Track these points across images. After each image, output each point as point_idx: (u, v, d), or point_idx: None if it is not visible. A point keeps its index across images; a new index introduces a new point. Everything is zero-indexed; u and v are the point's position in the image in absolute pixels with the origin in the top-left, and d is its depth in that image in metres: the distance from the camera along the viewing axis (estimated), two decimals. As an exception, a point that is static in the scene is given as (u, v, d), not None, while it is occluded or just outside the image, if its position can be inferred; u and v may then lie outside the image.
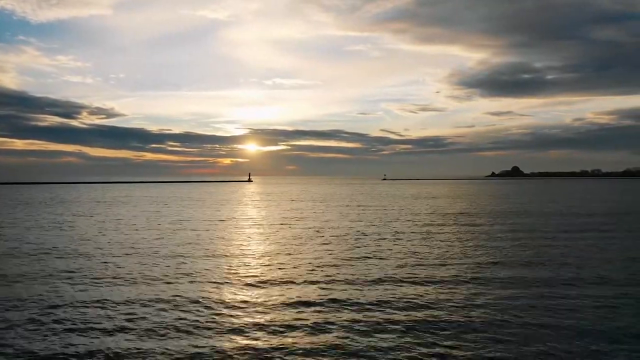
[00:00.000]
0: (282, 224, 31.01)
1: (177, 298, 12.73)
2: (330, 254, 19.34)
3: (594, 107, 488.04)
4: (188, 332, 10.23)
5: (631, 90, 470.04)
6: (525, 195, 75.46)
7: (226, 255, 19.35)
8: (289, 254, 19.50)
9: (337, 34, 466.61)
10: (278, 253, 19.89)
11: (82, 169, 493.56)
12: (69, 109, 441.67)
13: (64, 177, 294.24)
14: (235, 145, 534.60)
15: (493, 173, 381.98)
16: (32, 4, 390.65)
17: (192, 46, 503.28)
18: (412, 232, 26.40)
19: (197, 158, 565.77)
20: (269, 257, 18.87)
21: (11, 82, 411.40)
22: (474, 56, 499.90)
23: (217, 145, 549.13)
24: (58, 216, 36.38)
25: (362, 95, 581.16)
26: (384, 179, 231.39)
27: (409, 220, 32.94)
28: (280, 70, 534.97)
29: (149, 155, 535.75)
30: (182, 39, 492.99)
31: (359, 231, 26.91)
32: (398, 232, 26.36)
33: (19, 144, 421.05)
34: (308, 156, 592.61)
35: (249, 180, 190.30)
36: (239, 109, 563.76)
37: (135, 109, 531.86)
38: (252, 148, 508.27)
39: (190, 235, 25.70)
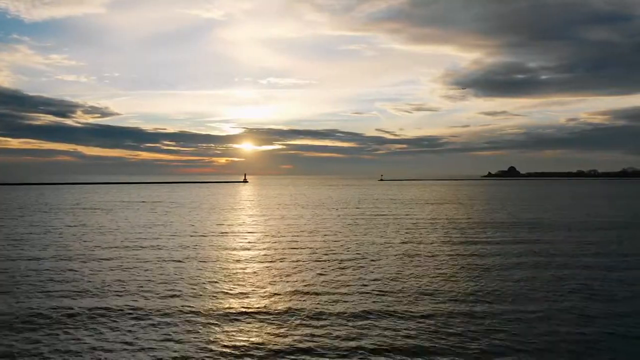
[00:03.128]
0: (274, 243, 28.70)
1: None
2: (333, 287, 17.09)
3: (588, 107, 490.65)
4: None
5: (624, 91, 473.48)
6: (531, 199, 73.31)
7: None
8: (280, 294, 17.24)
9: (332, 33, 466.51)
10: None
11: (76, 168, 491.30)
12: (64, 108, 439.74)
13: (58, 176, 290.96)
14: (230, 145, 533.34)
15: (489, 173, 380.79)
16: (25, 2, 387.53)
17: (186, 45, 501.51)
18: (427, 254, 24.14)
19: (192, 157, 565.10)
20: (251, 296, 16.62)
21: (5, 80, 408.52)
22: (467, 56, 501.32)
23: (212, 145, 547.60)
24: (20, 229, 33.95)
25: (356, 94, 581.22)
26: (381, 180, 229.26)
27: (421, 235, 30.72)
28: (274, 70, 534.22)
29: (144, 155, 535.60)
30: (176, 38, 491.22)
31: (365, 253, 24.62)
32: (411, 255, 24.08)
33: (13, 143, 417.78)
34: (303, 155, 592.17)
35: (245, 181, 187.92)
36: (234, 108, 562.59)
37: (129, 108, 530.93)
38: (247, 147, 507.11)
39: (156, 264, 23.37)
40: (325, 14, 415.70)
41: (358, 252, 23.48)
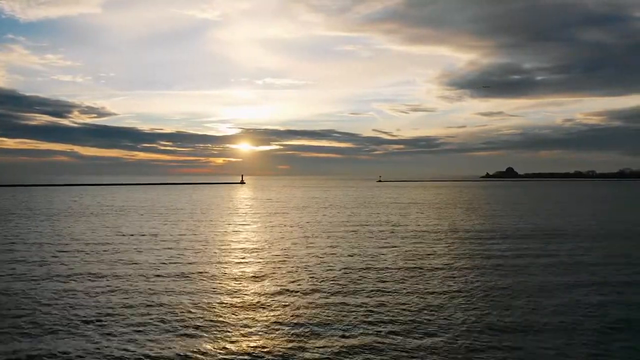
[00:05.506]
0: (270, 255, 26.02)
1: None
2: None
3: (584, 108, 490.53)
4: None
5: (620, 92, 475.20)
6: (538, 202, 70.83)
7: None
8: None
9: (327, 34, 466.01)
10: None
11: (73, 168, 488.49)
12: (60, 108, 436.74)
13: (55, 176, 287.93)
14: (227, 145, 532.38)
15: (487, 174, 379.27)
16: (21, 2, 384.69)
17: (182, 45, 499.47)
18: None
19: (189, 158, 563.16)
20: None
21: (0, 80, 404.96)
22: (463, 57, 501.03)
23: (209, 145, 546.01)
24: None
25: (353, 95, 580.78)
26: (380, 181, 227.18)
27: (430, 247, 28.11)
28: (271, 70, 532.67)
29: (141, 155, 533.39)
30: (172, 38, 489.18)
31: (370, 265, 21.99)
32: (419, 267, 21.45)
33: (9, 143, 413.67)
34: (300, 156, 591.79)
35: (242, 182, 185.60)
36: (230, 108, 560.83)
37: (126, 108, 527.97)
38: (244, 148, 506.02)
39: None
40: (321, 14, 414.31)
41: (364, 264, 20.89)
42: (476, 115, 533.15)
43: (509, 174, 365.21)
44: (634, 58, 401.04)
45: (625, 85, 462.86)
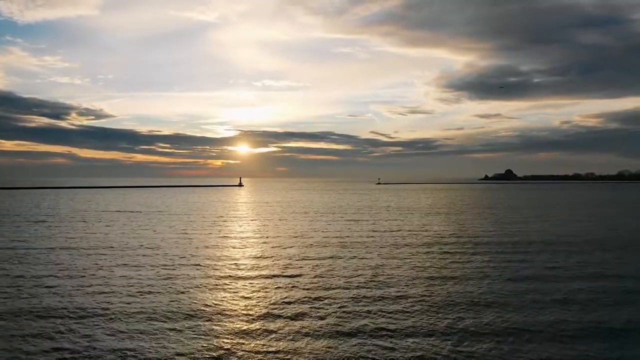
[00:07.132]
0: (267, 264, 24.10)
1: None
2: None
3: (581, 110, 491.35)
4: None
5: (617, 93, 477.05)
6: (546, 207, 69.00)
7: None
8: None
9: (325, 36, 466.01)
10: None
11: (71, 170, 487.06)
12: (58, 110, 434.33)
13: (52, 178, 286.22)
14: (225, 147, 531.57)
15: (486, 176, 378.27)
16: (18, 4, 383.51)
17: (180, 47, 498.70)
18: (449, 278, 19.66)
19: (188, 160, 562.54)
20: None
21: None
22: (461, 59, 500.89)
23: (208, 147, 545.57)
24: None
25: (351, 97, 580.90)
26: (379, 183, 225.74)
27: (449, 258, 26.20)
28: (269, 72, 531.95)
29: (139, 157, 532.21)
30: (170, 40, 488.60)
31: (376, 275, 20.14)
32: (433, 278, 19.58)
33: (7, 144, 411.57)
34: (298, 158, 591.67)
35: (240, 185, 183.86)
36: (228, 110, 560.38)
37: (124, 110, 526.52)
38: (242, 149, 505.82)
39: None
40: (319, 16, 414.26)
41: (371, 279, 19.06)
42: (474, 117, 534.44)
43: (508, 176, 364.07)
44: (631, 60, 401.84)
45: (622, 87, 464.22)
